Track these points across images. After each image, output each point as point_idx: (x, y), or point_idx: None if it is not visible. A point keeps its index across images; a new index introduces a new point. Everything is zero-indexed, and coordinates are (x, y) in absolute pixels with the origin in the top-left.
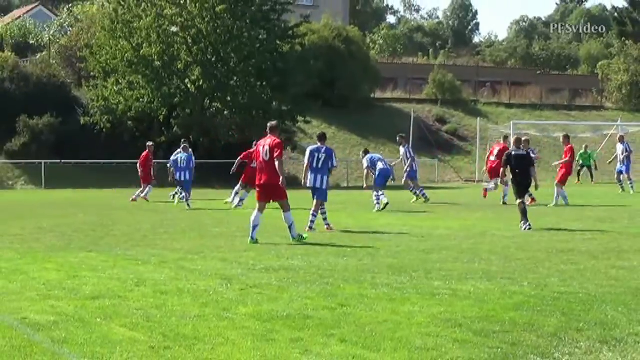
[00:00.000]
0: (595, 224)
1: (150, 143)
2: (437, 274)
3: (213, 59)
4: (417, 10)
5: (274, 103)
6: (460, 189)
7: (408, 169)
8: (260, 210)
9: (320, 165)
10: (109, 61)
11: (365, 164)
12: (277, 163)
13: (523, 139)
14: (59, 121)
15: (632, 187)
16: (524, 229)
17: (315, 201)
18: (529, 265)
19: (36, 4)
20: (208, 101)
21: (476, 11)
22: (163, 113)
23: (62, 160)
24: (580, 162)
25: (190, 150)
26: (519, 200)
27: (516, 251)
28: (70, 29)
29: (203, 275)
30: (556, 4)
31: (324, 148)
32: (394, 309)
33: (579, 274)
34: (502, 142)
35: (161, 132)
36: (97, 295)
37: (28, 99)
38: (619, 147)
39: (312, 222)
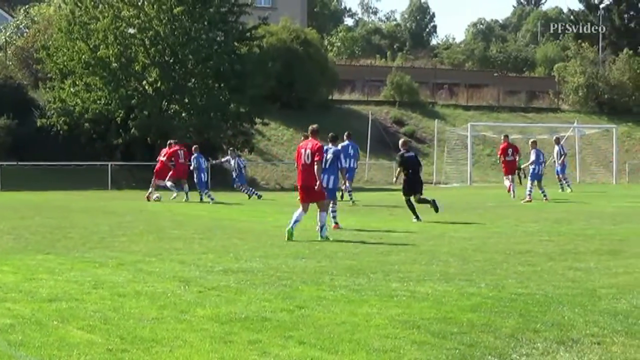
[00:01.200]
0: (552, 226)
1: (171, 141)
2: (395, 275)
3: (171, 61)
4: (375, 13)
5: (232, 105)
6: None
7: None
8: (305, 210)
9: (327, 166)
10: (66, 63)
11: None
12: (315, 167)
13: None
14: (15, 123)
15: (568, 186)
16: (414, 221)
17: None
18: (486, 267)
19: None
20: (166, 103)
21: (433, 13)
22: (120, 115)
23: (19, 162)
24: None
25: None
26: (406, 198)
27: (474, 253)
28: (27, 30)
29: (161, 277)
30: (513, 6)
31: (333, 149)
32: (352, 310)
33: (536, 275)
34: (503, 140)
35: (118, 134)
36: (54, 297)
37: None
38: (555, 149)
39: (335, 217)
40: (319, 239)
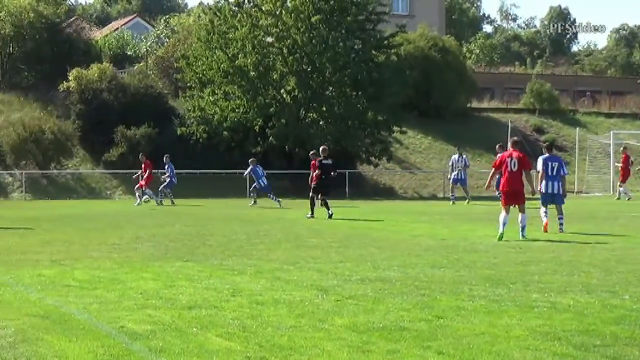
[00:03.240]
0: None
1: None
2: (535, 286)
3: (308, 70)
4: (514, 20)
5: (370, 113)
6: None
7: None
8: (507, 212)
9: (554, 173)
10: (205, 72)
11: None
12: (526, 175)
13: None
14: (156, 132)
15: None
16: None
17: (556, 207)
18: (630, 279)
19: (134, 16)
20: (303, 112)
21: (574, 20)
22: (259, 123)
23: (159, 171)
24: None
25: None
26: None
27: (617, 264)
28: (167, 40)
29: (299, 286)
30: None
31: (556, 157)
32: (491, 321)
33: None
34: (622, 152)
35: (257, 143)
36: (194, 305)
37: (126, 109)
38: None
39: (562, 224)
40: (521, 238)
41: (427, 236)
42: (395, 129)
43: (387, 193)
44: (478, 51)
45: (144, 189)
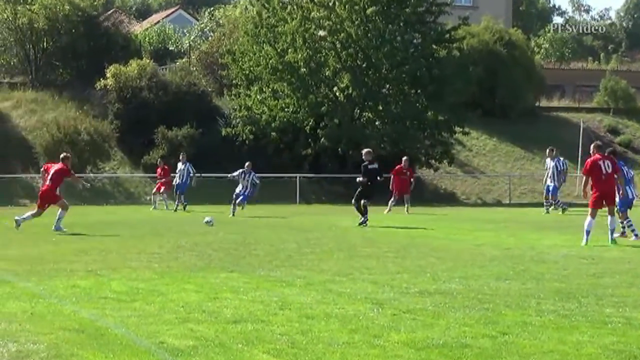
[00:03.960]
0: None
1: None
2: (609, 300)
3: (363, 65)
4: (587, 11)
5: (430, 112)
6: (636, 207)
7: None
8: (594, 216)
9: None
10: (252, 68)
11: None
12: (618, 178)
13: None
14: (199, 132)
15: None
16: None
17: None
18: None
19: (176, 8)
20: (358, 111)
21: None
22: (310, 123)
23: (202, 174)
24: None
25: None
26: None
27: None
28: (212, 34)
29: (352, 298)
30: None
31: (620, 162)
32: (560, 338)
33: None
34: None
35: (307, 144)
36: (239, 318)
37: (167, 108)
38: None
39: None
40: (609, 243)
41: (491, 245)
42: (457, 129)
43: (448, 198)
44: (547, 45)
45: (161, 192)
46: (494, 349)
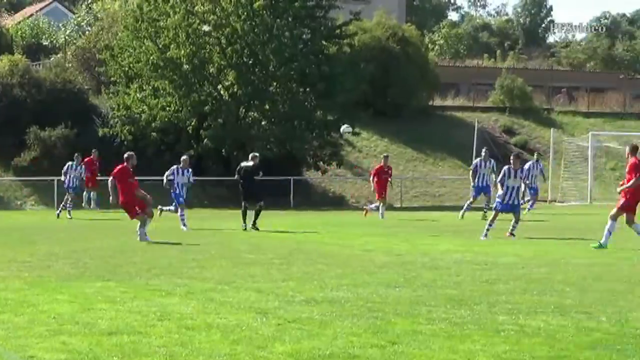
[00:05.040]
0: None
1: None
2: (502, 307)
3: (250, 62)
4: (483, 6)
5: (319, 112)
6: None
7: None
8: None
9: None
10: (131, 65)
11: None
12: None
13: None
14: (74, 132)
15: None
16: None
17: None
18: (608, 298)
19: (51, 1)
20: (243, 110)
21: (551, 7)
22: (192, 123)
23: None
24: None
25: None
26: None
27: (593, 282)
28: (89, 28)
29: (235, 308)
30: None
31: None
32: (452, 347)
33: None
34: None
35: (190, 145)
36: (115, 330)
37: (40, 107)
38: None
39: None
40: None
41: (381, 251)
42: None
43: (337, 202)
44: (442, 41)
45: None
46: (383, 358)
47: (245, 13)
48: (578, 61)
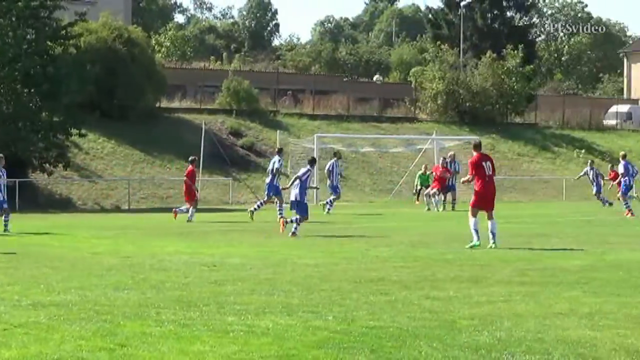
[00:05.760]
0: (407, 250)
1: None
2: (230, 308)
3: None
4: (209, 9)
5: (44, 113)
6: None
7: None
8: (475, 215)
9: None
10: None
11: None
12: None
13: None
14: None
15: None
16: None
17: None
18: (334, 297)
19: None
20: None
21: (276, 10)
22: None
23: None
24: (418, 183)
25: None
26: None
27: (320, 281)
28: None
29: None
30: (365, 3)
31: None
32: (181, 348)
33: (390, 305)
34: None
35: None
36: None
37: None
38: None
39: None
40: (493, 246)
41: (109, 253)
42: (73, 131)
43: (64, 205)
44: (168, 43)
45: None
46: None
47: None
48: (303, 64)
